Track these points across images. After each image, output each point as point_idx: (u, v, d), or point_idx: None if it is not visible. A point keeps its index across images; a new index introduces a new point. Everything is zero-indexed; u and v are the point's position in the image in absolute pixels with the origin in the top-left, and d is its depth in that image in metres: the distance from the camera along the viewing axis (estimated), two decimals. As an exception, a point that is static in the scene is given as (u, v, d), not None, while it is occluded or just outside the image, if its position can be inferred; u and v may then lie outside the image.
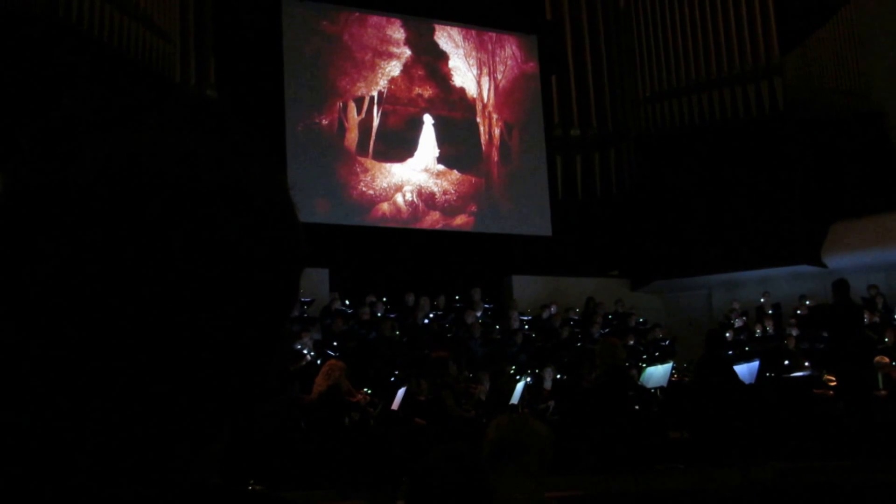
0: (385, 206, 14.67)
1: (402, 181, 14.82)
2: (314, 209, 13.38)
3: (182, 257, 0.51)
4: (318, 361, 9.64)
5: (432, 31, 15.68)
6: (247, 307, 0.54)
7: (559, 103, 16.24)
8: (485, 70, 16.05)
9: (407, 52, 15.34)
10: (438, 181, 15.14)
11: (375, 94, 14.92)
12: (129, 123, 0.55)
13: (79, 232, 0.50)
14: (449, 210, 15.12)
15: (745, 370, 9.38)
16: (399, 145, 14.95)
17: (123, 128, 0.54)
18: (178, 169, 0.52)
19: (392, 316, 12.19)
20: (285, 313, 0.58)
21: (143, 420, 0.52)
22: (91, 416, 0.51)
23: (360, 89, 14.81)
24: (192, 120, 0.57)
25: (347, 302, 12.37)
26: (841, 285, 9.60)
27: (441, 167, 15.19)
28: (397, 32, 15.30)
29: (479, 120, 15.82)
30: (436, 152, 15.18)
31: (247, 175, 0.56)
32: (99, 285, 0.50)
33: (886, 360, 10.21)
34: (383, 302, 12.57)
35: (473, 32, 16.02)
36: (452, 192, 15.21)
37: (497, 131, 15.89)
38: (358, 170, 14.56)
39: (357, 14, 15.02)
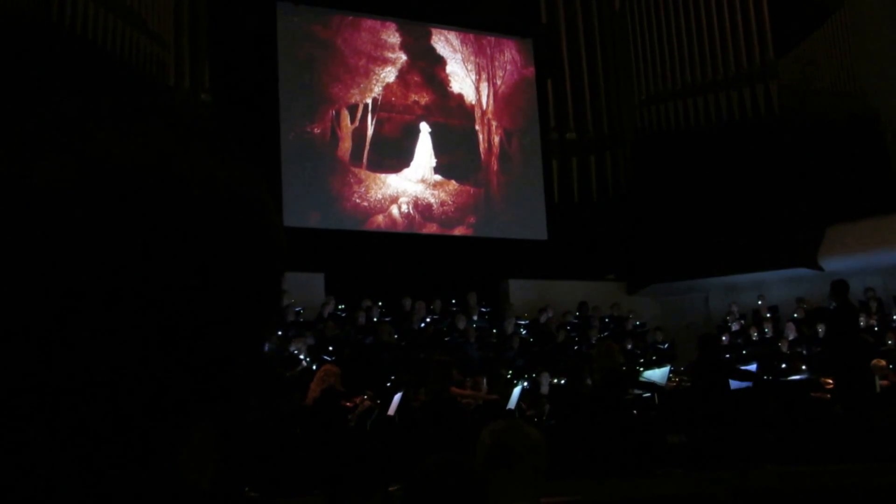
0: (380, 219, 14.23)
1: (397, 192, 14.39)
2: (307, 220, 13.25)
3: (155, 259, 0.49)
4: (314, 367, 9.60)
5: (429, 35, 15.33)
6: (224, 311, 0.52)
7: (555, 107, 16.21)
8: (484, 75, 15.69)
9: (402, 57, 14.99)
10: (436, 192, 14.72)
11: (370, 101, 14.51)
12: (101, 124, 0.53)
13: (48, 234, 0.48)
14: (447, 222, 14.72)
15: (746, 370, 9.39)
16: (394, 155, 14.50)
17: (96, 128, 0.53)
18: (151, 168, 0.51)
19: (387, 320, 12.15)
20: (266, 319, 0.56)
21: (121, 424, 0.50)
22: (71, 419, 0.49)
23: (354, 96, 14.41)
24: (168, 120, 0.55)
25: (342, 306, 12.33)
26: (840, 286, 9.57)
27: (438, 177, 14.79)
28: (392, 37, 14.96)
29: (478, 127, 15.47)
30: (433, 162, 14.77)
31: (220, 173, 0.54)
32: (73, 288, 0.48)
33: (883, 362, 10.21)
34: (378, 306, 12.52)
35: (472, 37, 15.69)
36: (450, 203, 14.82)
37: (497, 139, 15.53)
38: (351, 181, 14.12)
39: (350, 18, 14.66)
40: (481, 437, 2.37)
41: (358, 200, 14.12)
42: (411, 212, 14.48)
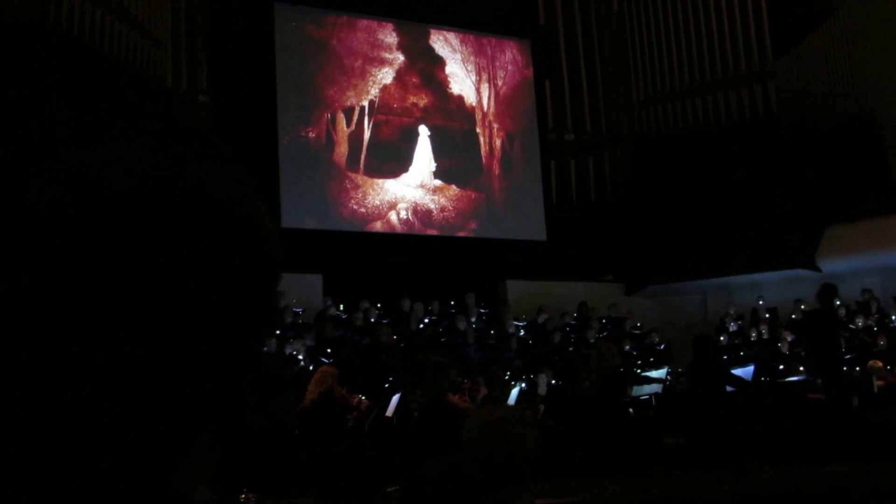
0: (378, 225, 13.89)
1: (396, 198, 14.02)
2: (303, 226, 13.10)
3: (150, 269, 0.50)
4: (311, 368, 9.58)
5: (427, 35, 15.02)
6: (220, 318, 0.53)
7: (553, 108, 16.17)
8: (484, 76, 15.37)
9: (400, 57, 14.67)
10: (436, 197, 14.37)
11: (366, 103, 14.13)
12: (94, 133, 0.54)
13: (44, 248, 0.49)
14: (447, 228, 14.40)
15: (741, 375, 9.36)
16: (392, 159, 14.12)
17: (90, 138, 0.54)
18: (146, 179, 0.52)
19: (385, 321, 12.13)
20: (261, 324, 0.57)
21: (119, 431, 0.51)
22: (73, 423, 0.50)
23: (350, 99, 14.03)
24: (161, 127, 0.56)
25: (342, 307, 12.31)
26: (827, 290, 9.58)
27: (438, 182, 14.44)
28: (389, 37, 14.64)
29: (478, 130, 15.16)
30: (432, 166, 14.41)
31: (213, 182, 0.55)
32: (71, 300, 0.49)
33: (880, 364, 10.21)
34: (377, 307, 12.50)
35: (471, 36, 15.39)
36: (451, 208, 14.49)
37: (498, 142, 15.21)
38: (348, 186, 13.74)
39: (346, 17, 14.29)
40: (465, 423, 2.37)
41: (355, 207, 13.78)
42: (410, 218, 14.13)
